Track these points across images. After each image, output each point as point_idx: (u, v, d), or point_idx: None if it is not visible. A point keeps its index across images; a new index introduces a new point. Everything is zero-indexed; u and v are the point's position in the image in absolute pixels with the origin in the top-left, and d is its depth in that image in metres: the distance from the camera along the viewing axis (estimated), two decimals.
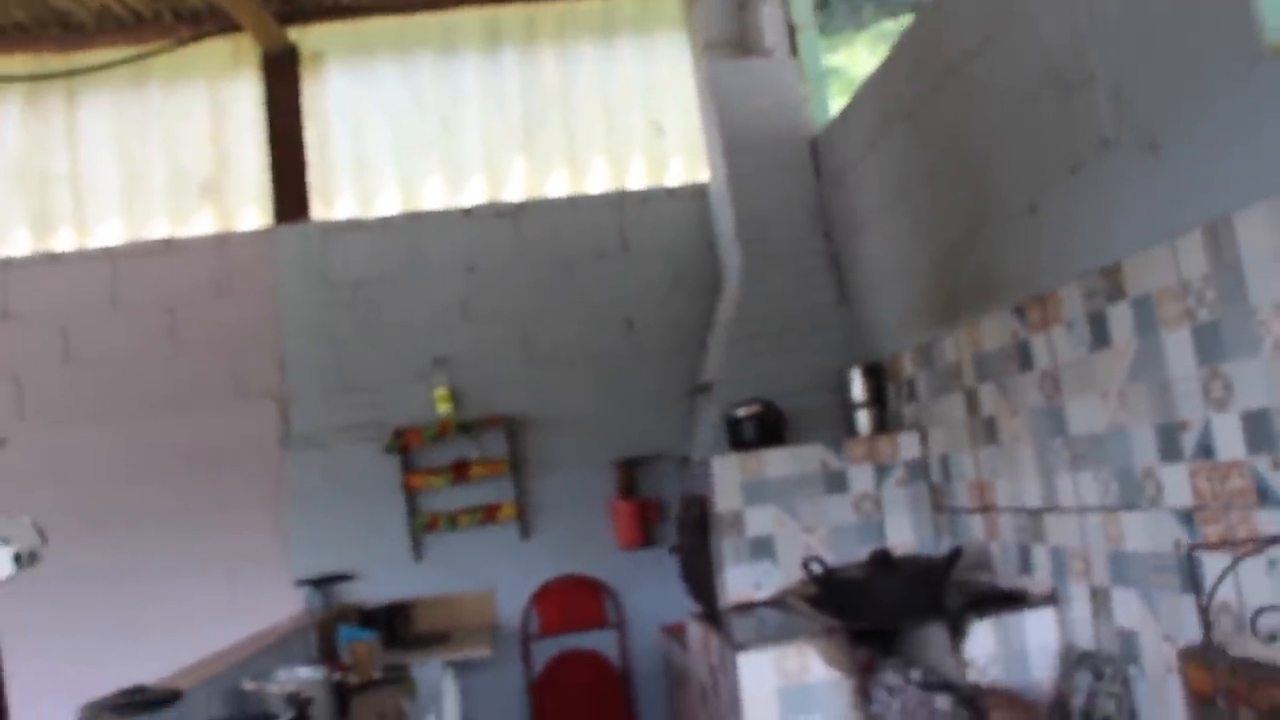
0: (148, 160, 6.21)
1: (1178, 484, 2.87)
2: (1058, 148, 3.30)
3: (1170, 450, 2.89)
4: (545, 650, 5.82)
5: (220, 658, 3.79)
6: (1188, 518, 2.83)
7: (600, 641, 5.84)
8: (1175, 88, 2.75)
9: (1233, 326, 2.60)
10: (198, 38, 6.23)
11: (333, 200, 6.23)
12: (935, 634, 3.55)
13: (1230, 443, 2.65)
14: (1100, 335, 3.15)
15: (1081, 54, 3.12)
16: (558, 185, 6.31)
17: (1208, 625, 2.03)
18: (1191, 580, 2.78)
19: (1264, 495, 2.54)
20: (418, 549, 5.80)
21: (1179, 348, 2.81)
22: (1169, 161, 2.81)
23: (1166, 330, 2.85)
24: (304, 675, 3.66)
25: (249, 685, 3.45)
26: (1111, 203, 3.07)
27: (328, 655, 4.93)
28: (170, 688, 2.94)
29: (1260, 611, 2.16)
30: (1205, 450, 2.74)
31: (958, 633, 3.46)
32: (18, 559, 2.12)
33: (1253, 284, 2.52)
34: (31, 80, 6.17)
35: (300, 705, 3.18)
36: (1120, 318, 3.04)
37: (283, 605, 5.59)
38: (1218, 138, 2.62)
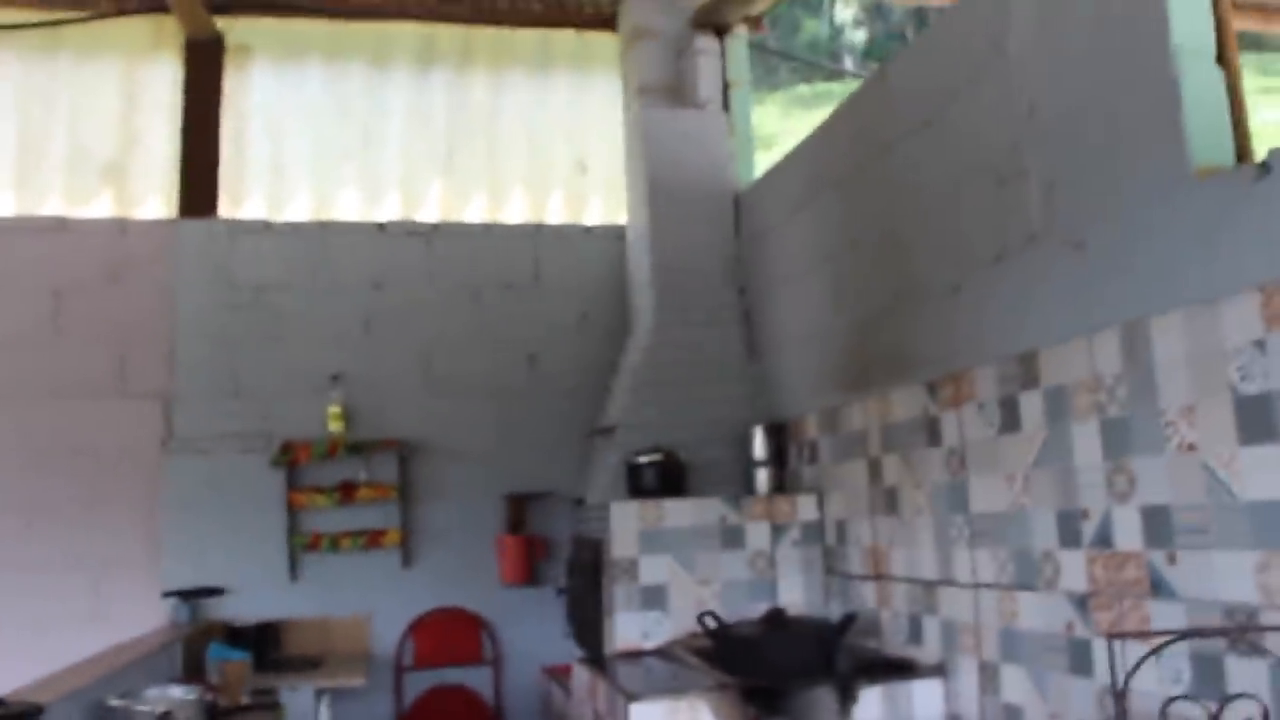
0: (48, 133, 5.94)
1: (1075, 569, 2.98)
2: (984, 234, 3.41)
3: (1070, 536, 2.99)
4: (418, 683, 5.69)
5: (83, 670, 3.62)
6: (1082, 602, 2.94)
7: (475, 678, 5.74)
8: (1105, 193, 2.88)
9: (1141, 424, 2.72)
10: (119, 13, 6.00)
11: (242, 200, 6.06)
12: (824, 697, 3.59)
13: (1129, 534, 2.77)
14: (1011, 419, 3.26)
15: (1017, 149, 3.24)
16: (475, 211, 6.27)
17: (1122, 712, 2.10)
18: (1082, 663, 2.89)
19: (1157, 587, 2.66)
20: (295, 568, 5.63)
21: (1087, 439, 2.92)
22: (1092, 261, 2.93)
23: (1077, 421, 2.96)
24: (176, 695, 3.52)
25: (115, 702, 3.30)
26: (1032, 293, 3.18)
27: (193, 673, 4.74)
28: (30, 702, 2.80)
29: (1171, 700, 2.24)
30: (1104, 539, 2.86)
31: (847, 697, 3.50)
32: None
33: (1163, 386, 2.65)
34: None
35: None
36: (1032, 404, 3.15)
37: (147, 616, 5.37)
38: (1141, 245, 2.75)
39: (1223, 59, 2.66)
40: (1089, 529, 2.92)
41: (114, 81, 6.04)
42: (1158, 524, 2.66)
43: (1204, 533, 2.52)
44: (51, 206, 5.87)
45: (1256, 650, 2.34)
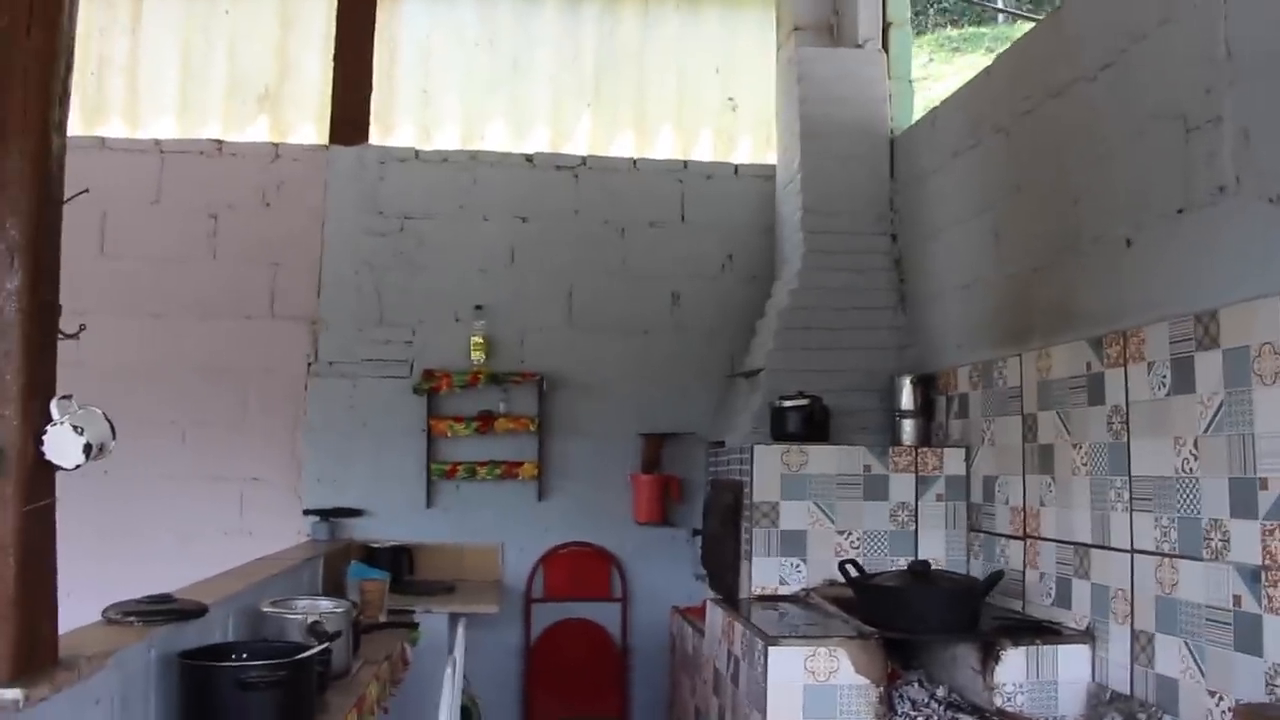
0: (209, 61, 6.11)
1: (1248, 540, 2.82)
2: (1166, 185, 3.23)
3: (1244, 506, 2.84)
4: (547, 615, 5.79)
5: (237, 576, 3.76)
6: (1255, 576, 2.79)
7: (603, 613, 5.81)
8: None
9: None
10: None
11: (392, 128, 6.14)
12: (965, 654, 3.52)
13: None
14: (1184, 380, 3.10)
15: (1211, 94, 3.04)
16: (622, 146, 6.23)
17: None
18: (1251, 640, 2.76)
19: None
20: (431, 495, 5.76)
21: (1271, 405, 2.76)
22: None
23: (1260, 385, 2.79)
24: (324, 606, 3.62)
25: (268, 609, 3.41)
26: (1217, 248, 3.01)
27: (332, 589, 4.87)
28: (196, 601, 2.91)
29: None
30: None
31: (989, 656, 3.43)
32: (87, 449, 2.08)
33: None
34: None
35: (325, 637, 3.13)
36: (1209, 366, 2.99)
37: (288, 532, 5.59)
38: None
39: None
40: (1267, 500, 2.76)
41: (271, 10, 6.16)
42: None
43: None
44: (210, 130, 6.04)
45: None
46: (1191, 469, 3.05)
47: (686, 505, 5.73)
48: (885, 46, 5.54)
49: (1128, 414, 3.37)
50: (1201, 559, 3.00)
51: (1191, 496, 3.05)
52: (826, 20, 5.73)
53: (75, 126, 5.78)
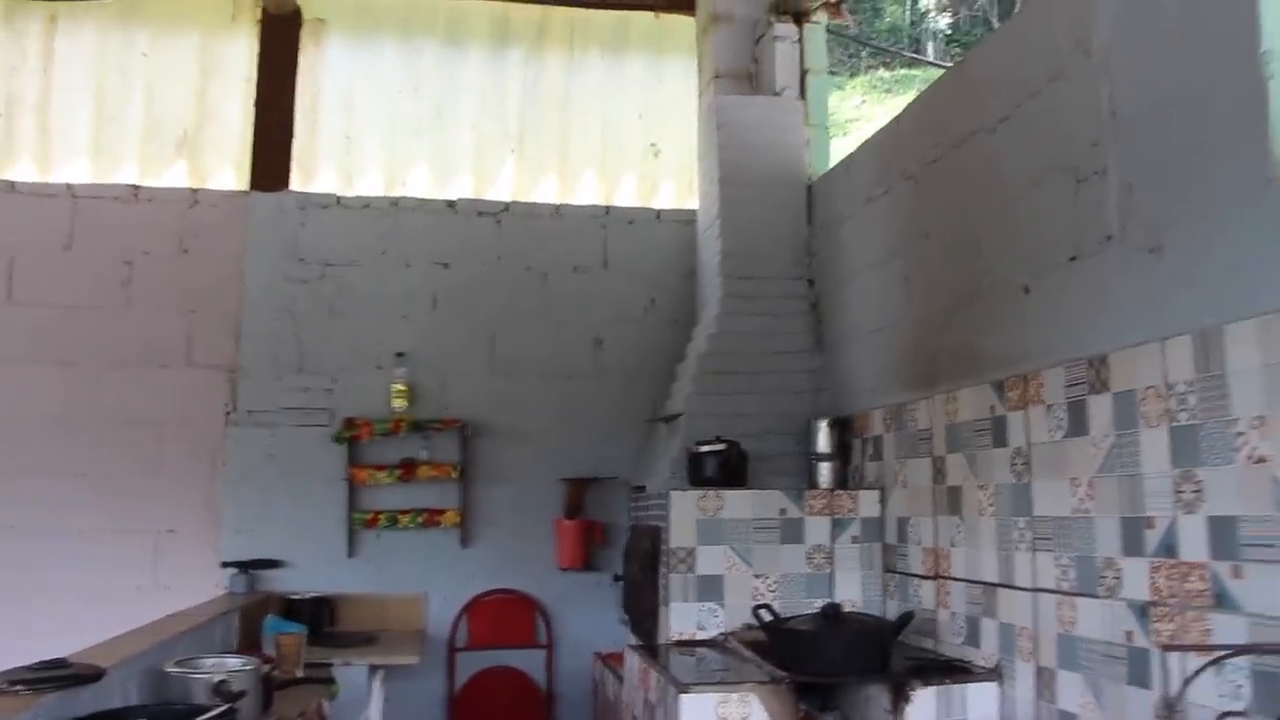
0: (125, 103, 6.05)
1: (1137, 577, 2.91)
2: (1060, 234, 3.34)
3: (1133, 544, 2.93)
4: (471, 663, 5.74)
5: (141, 636, 3.65)
6: (1143, 611, 2.88)
7: (528, 661, 5.78)
8: (1184, 197, 2.81)
9: (1211, 433, 2.65)
10: None
11: (314, 174, 6.13)
12: (877, 695, 3.56)
13: (1194, 545, 2.70)
14: (1078, 423, 3.19)
15: (1097, 148, 3.16)
16: (546, 192, 6.28)
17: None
18: (1140, 673, 2.84)
19: (1221, 599, 2.60)
20: (353, 544, 5.71)
21: (1155, 446, 2.85)
22: (1168, 264, 2.86)
23: (1146, 428, 2.89)
24: (232, 664, 3.54)
25: (172, 669, 3.33)
26: (1106, 296, 3.11)
27: (249, 644, 4.80)
28: (92, 666, 2.84)
29: (1226, 715, 2.19)
30: (1168, 549, 2.79)
31: (900, 696, 3.47)
32: None
33: (1236, 396, 2.58)
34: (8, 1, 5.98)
35: (231, 697, 3.07)
36: (1101, 408, 3.09)
37: (206, 586, 5.47)
38: (1219, 250, 2.67)
39: None
40: (1153, 538, 2.85)
41: (191, 54, 6.14)
42: (1224, 536, 2.60)
43: (1271, 546, 2.45)
44: (127, 175, 5.98)
45: None
46: (1087, 509, 3.15)
47: (611, 550, 5.74)
48: (803, 94, 5.65)
49: (1029, 456, 3.45)
50: (1097, 596, 3.08)
51: (1087, 536, 3.14)
52: (746, 68, 5.84)
53: None
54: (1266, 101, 2.55)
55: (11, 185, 5.78)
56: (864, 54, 18.97)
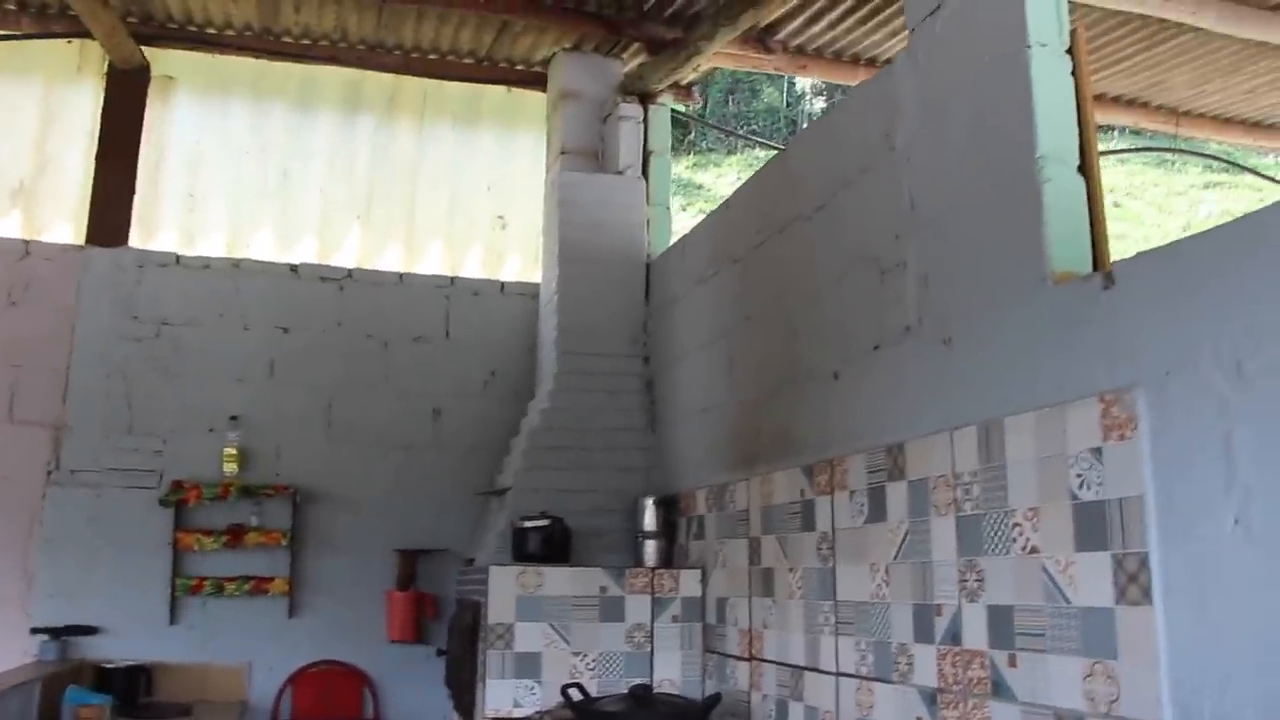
0: None
1: (926, 664, 2.96)
2: (866, 323, 3.44)
3: (924, 630, 2.98)
4: None
5: None
6: (932, 698, 2.92)
7: None
8: (973, 291, 2.91)
9: (992, 523, 2.73)
10: (42, 35, 5.90)
11: (154, 232, 5.98)
12: None
13: (976, 633, 2.76)
14: (878, 509, 3.26)
15: (899, 241, 3.28)
16: (391, 260, 6.23)
17: None
18: None
19: (998, 688, 2.66)
20: (175, 611, 5.48)
21: (944, 534, 2.93)
22: (958, 356, 2.95)
23: (936, 516, 2.97)
24: None
25: None
26: (903, 385, 3.20)
27: (48, 717, 4.57)
28: None
29: None
30: (954, 636, 2.85)
31: None
32: None
33: (1014, 486, 2.66)
34: None
35: None
36: (897, 496, 3.16)
37: (14, 653, 5.18)
38: (1001, 344, 2.77)
39: (1085, 168, 2.71)
40: (941, 625, 2.91)
41: (33, 102, 5.96)
42: (1001, 624, 2.66)
43: (1040, 635, 2.52)
44: None
45: None
46: (884, 594, 3.20)
47: (442, 623, 5.62)
48: (646, 173, 5.74)
49: (834, 540, 3.50)
50: (892, 681, 3.12)
51: (884, 621, 3.19)
52: (592, 146, 5.92)
53: None
54: (1041, 203, 2.67)
55: None
56: (742, 131, 19.39)
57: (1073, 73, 2.77)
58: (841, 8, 5.65)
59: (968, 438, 2.85)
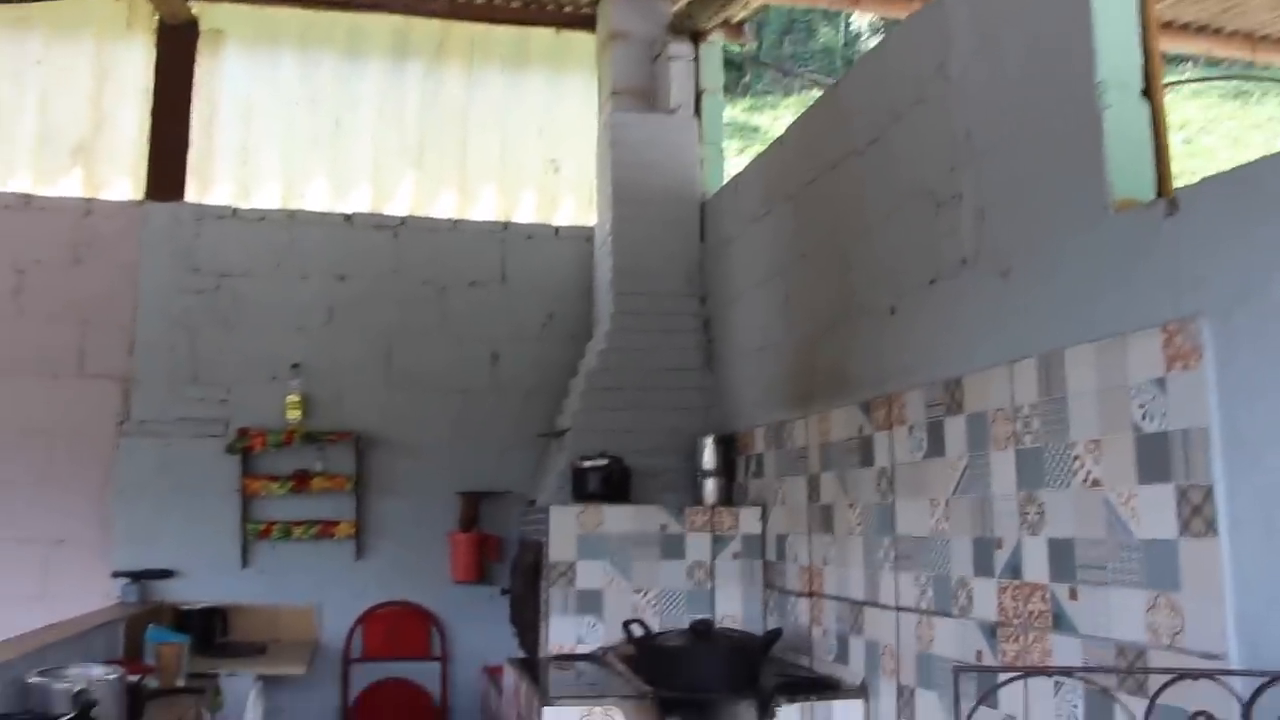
0: (18, 110, 5.93)
1: (986, 598, 2.96)
2: (921, 257, 3.40)
3: (984, 564, 2.98)
4: (364, 675, 5.68)
5: (11, 646, 3.63)
6: (992, 631, 2.93)
7: (422, 673, 5.73)
8: (1031, 221, 2.87)
9: (1052, 456, 2.71)
10: None
11: (210, 185, 6.04)
12: (744, 711, 3.57)
13: (1036, 566, 2.76)
14: (936, 444, 3.25)
15: (954, 173, 3.23)
16: (444, 206, 6.25)
17: None
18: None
19: (1059, 621, 2.65)
20: (246, 555, 5.64)
21: (1003, 468, 2.91)
22: (1016, 288, 2.92)
23: (995, 450, 2.95)
24: (94, 674, 3.50)
25: (33, 679, 3.29)
26: (960, 318, 3.17)
27: (132, 655, 4.74)
28: None
29: None
30: (1014, 570, 2.84)
31: (766, 713, 3.49)
32: None
33: (1074, 419, 2.64)
34: None
35: (83, 706, 3.03)
36: (956, 430, 3.14)
37: (96, 596, 5.37)
38: (1060, 275, 2.73)
39: (1149, 93, 2.64)
40: (1001, 559, 2.90)
41: (86, 61, 6.03)
42: (1062, 558, 2.65)
43: (1102, 569, 2.51)
44: (19, 184, 5.86)
45: (1142, 690, 2.33)
46: (944, 529, 3.20)
47: (504, 564, 5.72)
48: (698, 112, 5.69)
49: (893, 476, 3.50)
50: (951, 615, 3.13)
51: (943, 555, 3.19)
52: (644, 86, 5.87)
53: None
54: (1102, 131, 2.62)
55: None
56: (801, 71, 19.10)
57: None
58: None
59: (1027, 370, 2.83)
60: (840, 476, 3.86)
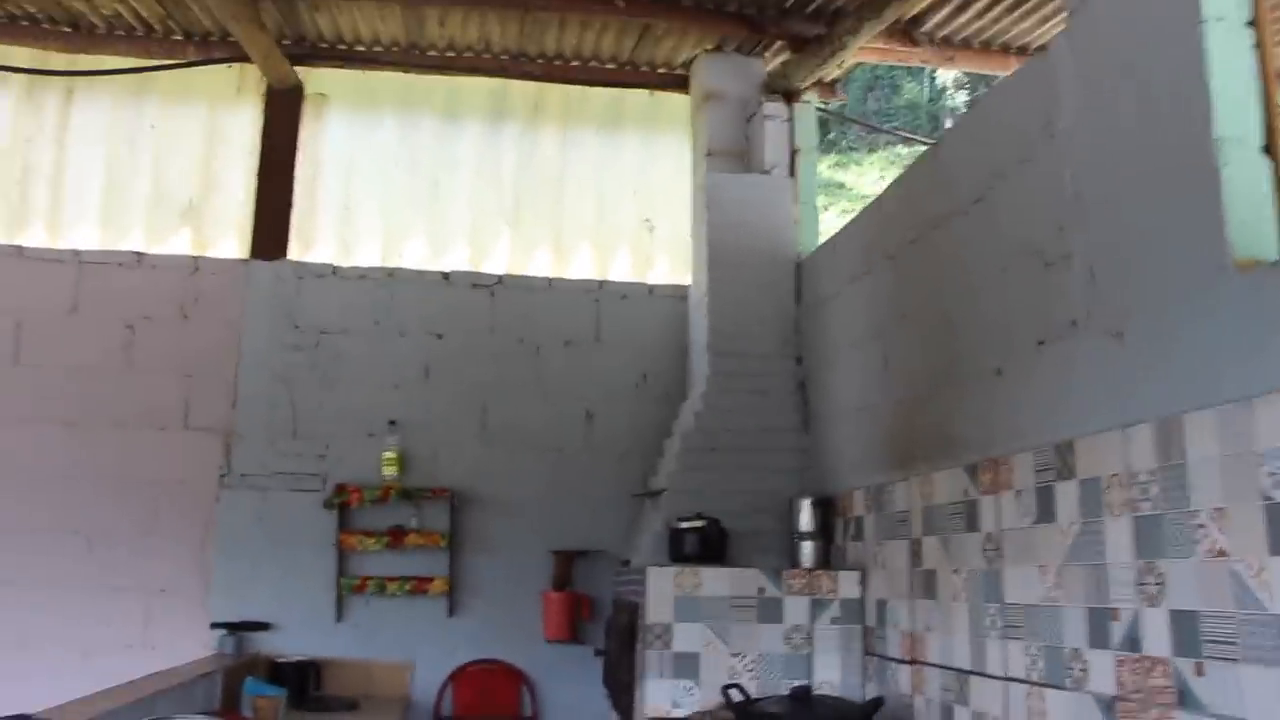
0: (134, 172, 6.17)
1: (1103, 671, 2.85)
2: (1028, 317, 3.33)
3: (1099, 635, 2.87)
4: None
5: (116, 694, 3.70)
6: (1109, 706, 2.81)
7: None
8: (1145, 282, 2.79)
9: (1172, 524, 2.61)
10: (206, 61, 6.21)
11: (312, 243, 6.20)
12: None
13: (1157, 639, 2.64)
14: (1046, 509, 3.15)
15: (1062, 233, 3.16)
16: (539, 265, 6.31)
17: None
18: None
19: (1184, 698, 2.54)
20: (341, 609, 5.68)
21: (1119, 536, 2.81)
22: (1130, 351, 2.83)
23: (1110, 517, 2.85)
24: None
25: None
26: (1071, 381, 3.09)
27: (229, 706, 4.80)
28: None
29: None
30: (1132, 642, 2.73)
31: None
32: None
33: (1196, 486, 2.54)
34: (32, 74, 6.14)
35: None
36: (1067, 495, 3.05)
37: (194, 646, 5.47)
38: (1179, 337, 2.65)
39: (1270, 149, 2.56)
40: (1118, 630, 2.80)
41: (197, 125, 6.26)
42: (1186, 631, 2.54)
43: (1232, 644, 2.40)
44: (132, 242, 6.07)
45: None
46: (1055, 597, 3.09)
47: (598, 623, 5.68)
48: (793, 172, 5.69)
49: (1000, 541, 3.41)
50: (1065, 688, 3.02)
51: (1055, 625, 3.08)
52: (738, 146, 5.89)
53: None
54: (1220, 188, 2.54)
55: (19, 250, 5.89)
56: (887, 128, 19.10)
57: (1255, 46, 2.63)
58: None
59: (1143, 435, 2.73)
60: (944, 541, 3.77)
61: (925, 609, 3.89)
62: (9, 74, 6.07)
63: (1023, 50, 6.05)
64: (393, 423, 5.84)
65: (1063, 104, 3.21)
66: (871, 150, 20.17)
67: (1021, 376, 3.37)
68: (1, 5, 5.83)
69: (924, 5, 5.44)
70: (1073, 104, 3.17)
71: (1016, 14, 5.68)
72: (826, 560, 4.74)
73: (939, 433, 3.89)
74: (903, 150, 19.19)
